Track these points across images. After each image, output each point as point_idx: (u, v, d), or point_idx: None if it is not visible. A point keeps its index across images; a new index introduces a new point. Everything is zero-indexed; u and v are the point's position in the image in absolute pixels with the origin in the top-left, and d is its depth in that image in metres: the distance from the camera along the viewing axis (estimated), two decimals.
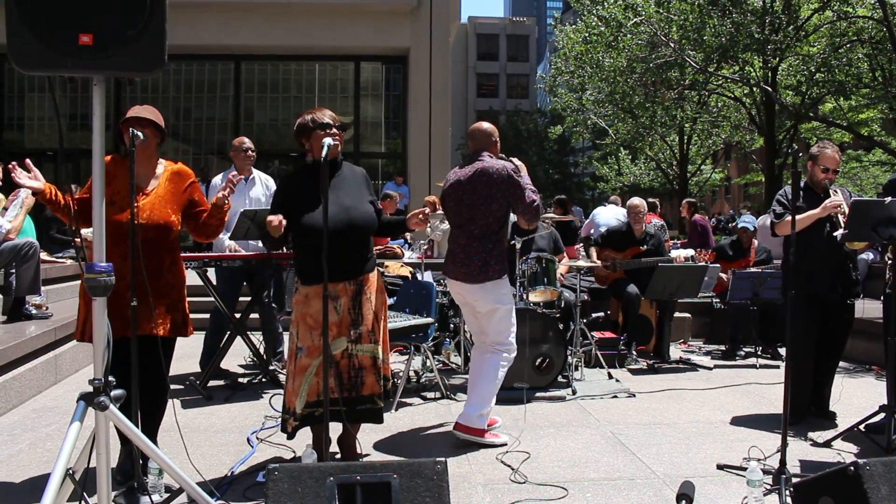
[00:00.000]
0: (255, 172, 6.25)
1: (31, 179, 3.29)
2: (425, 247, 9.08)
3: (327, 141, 3.38)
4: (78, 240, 2.93)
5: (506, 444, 4.37)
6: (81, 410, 2.51)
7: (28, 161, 3.31)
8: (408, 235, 10.36)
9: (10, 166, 3.25)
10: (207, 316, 6.13)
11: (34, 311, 6.37)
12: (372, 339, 3.68)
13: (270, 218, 3.50)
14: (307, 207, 3.60)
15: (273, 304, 6.29)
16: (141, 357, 3.40)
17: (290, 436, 3.70)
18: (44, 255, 7.31)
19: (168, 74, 16.59)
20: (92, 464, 2.58)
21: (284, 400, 3.72)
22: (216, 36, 15.11)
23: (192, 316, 3.81)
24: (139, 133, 3.31)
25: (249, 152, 6.11)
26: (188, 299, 3.77)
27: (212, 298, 5.89)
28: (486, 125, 4.63)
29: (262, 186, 6.21)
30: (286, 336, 4.12)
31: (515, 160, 4.56)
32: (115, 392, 2.59)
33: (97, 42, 2.41)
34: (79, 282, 4.61)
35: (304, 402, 3.60)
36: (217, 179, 6.20)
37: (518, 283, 5.98)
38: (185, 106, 17.25)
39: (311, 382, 3.60)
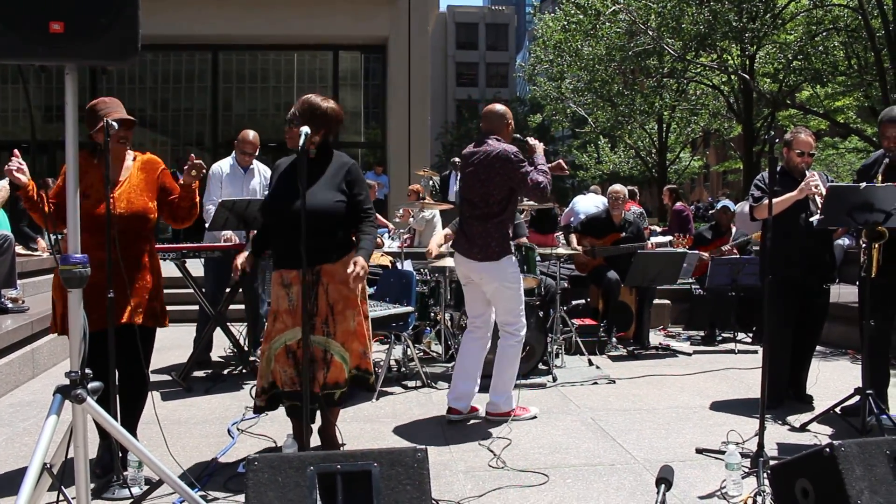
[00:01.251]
0: (255, 163, 6.24)
1: (21, 172, 3.26)
2: (406, 236, 9.07)
3: (304, 129, 3.36)
4: (52, 237, 2.90)
5: (536, 417, 4.67)
6: (58, 404, 2.48)
7: (17, 152, 3.27)
8: (390, 225, 10.35)
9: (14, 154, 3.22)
10: (188, 308, 6.10)
11: (10, 305, 6.30)
12: (325, 331, 3.55)
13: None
14: (275, 192, 3.66)
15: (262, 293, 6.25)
16: (121, 349, 3.39)
17: (260, 410, 3.74)
18: (19, 249, 7.23)
19: (145, 64, 16.43)
20: (70, 457, 2.56)
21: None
22: (193, 25, 14.97)
23: (174, 308, 3.81)
24: (114, 123, 3.30)
25: (246, 157, 6.09)
26: (173, 291, 3.78)
27: (192, 291, 5.86)
28: (499, 107, 4.67)
29: (259, 177, 6.18)
30: None
31: (531, 140, 4.61)
32: (93, 384, 2.56)
33: (68, 30, 2.37)
34: None
35: (268, 379, 3.62)
36: (218, 167, 6.14)
37: None
38: (163, 97, 17.10)
39: (275, 370, 3.58)
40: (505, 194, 4.46)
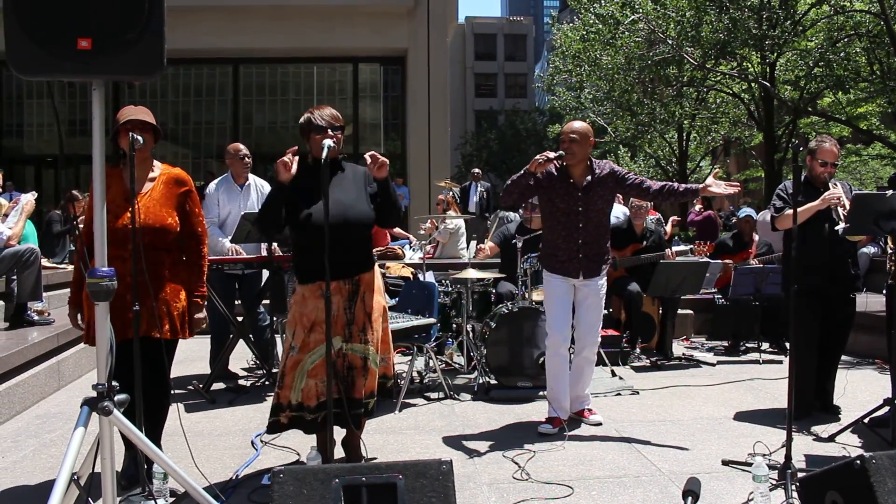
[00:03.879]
0: (251, 178, 6.18)
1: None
2: (429, 247, 9.08)
3: (327, 142, 3.37)
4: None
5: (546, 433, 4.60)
6: (85, 416, 2.50)
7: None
8: (411, 237, 10.37)
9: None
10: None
11: (36, 318, 6.37)
12: (362, 338, 3.60)
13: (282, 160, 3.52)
14: (303, 205, 3.59)
15: (269, 314, 6.22)
16: (143, 359, 3.41)
17: (283, 428, 3.68)
18: (45, 262, 7.32)
19: (166, 78, 16.58)
20: (96, 469, 2.58)
21: (276, 399, 3.66)
22: (214, 39, 15.09)
23: None
24: (139, 138, 3.30)
25: (246, 159, 6.08)
26: None
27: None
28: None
29: (256, 192, 6.16)
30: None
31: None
32: (119, 397, 2.58)
33: (96, 46, 2.41)
34: None
35: (298, 396, 3.57)
36: (212, 187, 6.14)
37: (520, 282, 5.98)
38: (184, 110, 17.25)
39: (309, 385, 3.55)
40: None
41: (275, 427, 3.68)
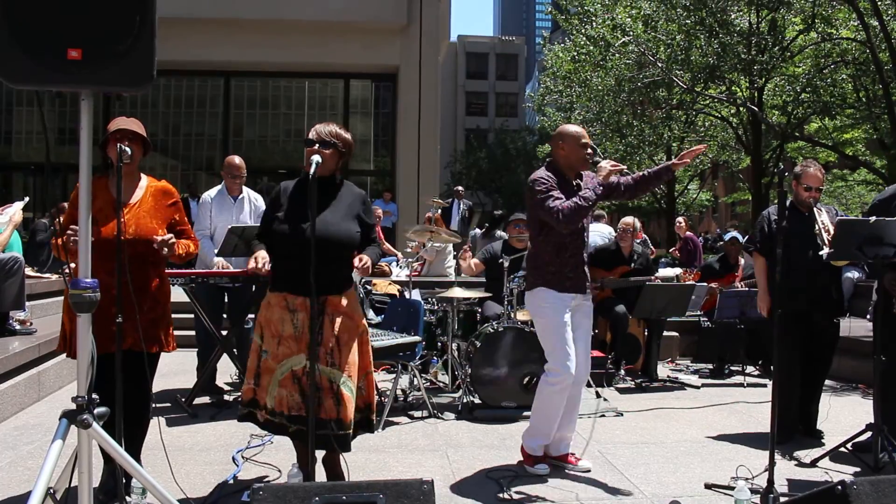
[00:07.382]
0: (245, 191, 6.18)
1: None
2: (416, 265, 9.07)
3: (315, 158, 3.37)
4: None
5: (545, 474, 4.16)
6: (64, 428, 2.47)
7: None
8: (398, 254, 10.36)
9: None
10: (192, 333, 6.07)
11: (18, 327, 6.30)
12: (330, 361, 3.45)
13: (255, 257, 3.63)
14: (285, 216, 3.56)
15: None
16: (125, 373, 3.38)
17: (256, 422, 3.59)
18: (29, 271, 7.26)
19: (157, 90, 16.58)
20: (74, 482, 2.54)
21: (251, 393, 3.56)
22: (206, 52, 15.13)
23: (176, 333, 3.79)
24: (126, 149, 3.29)
25: (241, 172, 6.09)
26: (179, 315, 3.76)
27: (193, 315, 5.86)
28: (563, 127, 4.32)
29: (250, 205, 6.15)
30: None
31: (601, 161, 4.21)
32: (99, 410, 2.55)
33: (86, 57, 2.40)
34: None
35: (272, 402, 3.49)
36: (207, 196, 6.14)
37: (506, 302, 5.97)
38: (174, 121, 17.24)
39: (282, 394, 3.46)
40: (535, 223, 4.24)
41: (249, 418, 3.59)
